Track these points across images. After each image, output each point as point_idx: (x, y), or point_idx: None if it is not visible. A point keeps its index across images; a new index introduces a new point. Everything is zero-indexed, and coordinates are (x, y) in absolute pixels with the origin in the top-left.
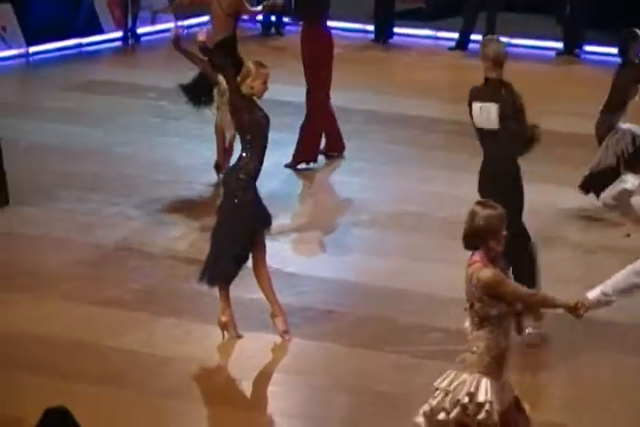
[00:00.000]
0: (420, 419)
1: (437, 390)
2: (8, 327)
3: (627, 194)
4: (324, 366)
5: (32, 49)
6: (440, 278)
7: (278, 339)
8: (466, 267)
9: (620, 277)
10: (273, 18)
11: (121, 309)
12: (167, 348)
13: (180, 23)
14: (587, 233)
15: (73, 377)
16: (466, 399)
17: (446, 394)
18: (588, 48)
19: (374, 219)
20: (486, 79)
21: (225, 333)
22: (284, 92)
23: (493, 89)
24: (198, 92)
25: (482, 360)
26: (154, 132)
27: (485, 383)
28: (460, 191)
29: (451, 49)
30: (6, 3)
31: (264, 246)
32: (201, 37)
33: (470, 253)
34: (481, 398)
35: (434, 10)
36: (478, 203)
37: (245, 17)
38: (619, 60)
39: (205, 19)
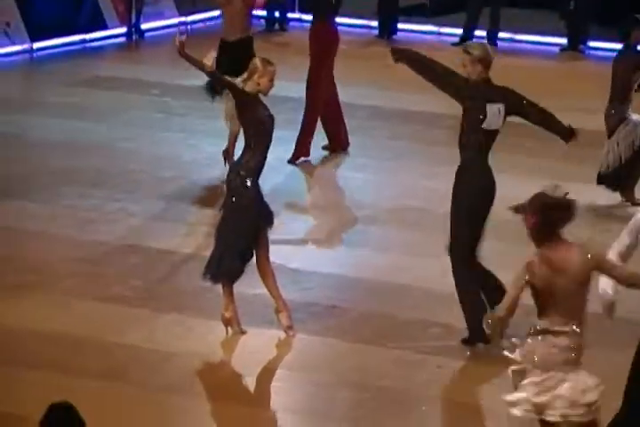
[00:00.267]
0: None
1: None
2: (10, 323)
3: None
4: (327, 361)
5: (36, 45)
6: (442, 274)
7: (282, 334)
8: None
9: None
10: (277, 14)
11: (123, 305)
12: (170, 344)
13: (183, 19)
14: (593, 229)
15: (75, 373)
16: (584, 399)
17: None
18: (592, 44)
19: (377, 214)
20: (486, 80)
21: (228, 328)
22: (288, 89)
23: (497, 89)
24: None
25: (579, 357)
26: (158, 128)
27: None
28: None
29: (454, 45)
30: None
31: (267, 243)
32: (179, 40)
33: None
34: (592, 397)
35: (437, 6)
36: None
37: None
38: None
39: (209, 15)
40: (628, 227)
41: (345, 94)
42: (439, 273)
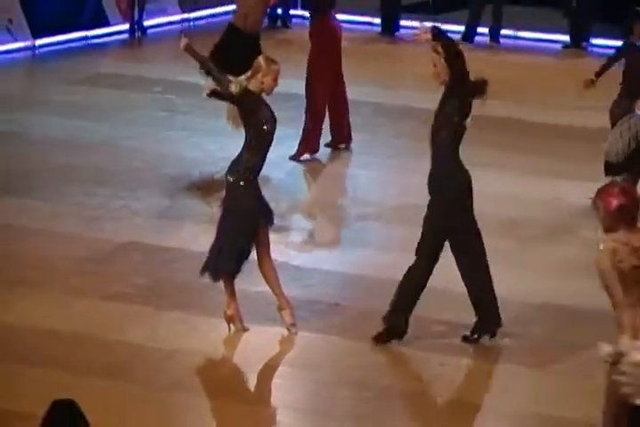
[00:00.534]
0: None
1: None
2: (14, 321)
3: None
4: (329, 359)
5: (38, 42)
6: (444, 272)
7: (284, 332)
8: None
9: None
10: (279, 11)
11: (126, 303)
12: (173, 341)
13: (186, 15)
14: (596, 227)
15: (78, 371)
16: None
17: None
18: (594, 41)
19: (380, 212)
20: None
21: (231, 326)
22: (292, 86)
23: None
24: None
25: None
26: (160, 126)
27: None
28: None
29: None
30: None
31: (268, 241)
32: (183, 42)
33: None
34: None
35: (440, 3)
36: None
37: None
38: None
39: (212, 11)
40: None
41: (348, 91)
42: (442, 271)
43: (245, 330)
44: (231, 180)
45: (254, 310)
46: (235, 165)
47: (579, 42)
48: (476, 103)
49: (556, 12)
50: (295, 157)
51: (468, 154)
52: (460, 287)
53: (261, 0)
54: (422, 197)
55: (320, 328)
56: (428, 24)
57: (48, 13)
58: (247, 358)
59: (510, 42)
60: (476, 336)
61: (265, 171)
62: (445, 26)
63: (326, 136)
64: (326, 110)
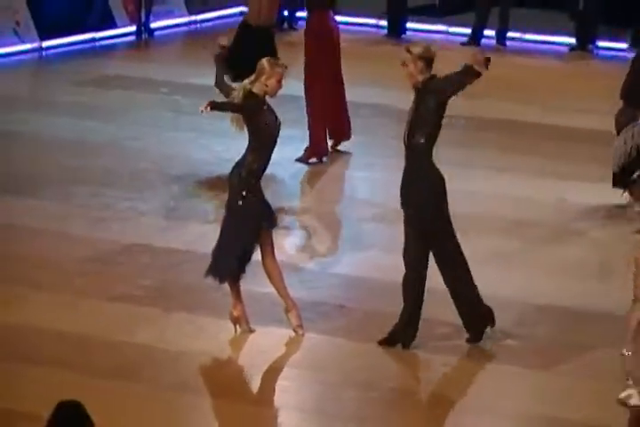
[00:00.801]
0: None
1: None
2: (20, 322)
3: None
4: (335, 360)
5: (45, 43)
6: None
7: (290, 333)
8: None
9: None
10: (286, 12)
11: (133, 304)
12: (180, 342)
13: (193, 18)
14: (603, 229)
15: (86, 372)
16: None
17: None
18: (600, 43)
19: (383, 214)
20: (433, 77)
21: (237, 327)
22: (298, 88)
23: None
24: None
25: None
26: (167, 127)
27: None
28: (469, 187)
29: (463, 44)
30: None
31: (272, 243)
32: (223, 42)
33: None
34: None
35: (447, 5)
36: None
37: None
38: (630, 54)
39: (219, 13)
40: None
41: (352, 93)
42: None
43: (251, 331)
44: (234, 182)
45: (260, 312)
46: (237, 168)
47: (585, 44)
48: (480, 104)
49: (563, 15)
50: (303, 160)
51: (473, 156)
52: None
53: None
54: None
55: (325, 330)
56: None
57: (55, 15)
58: (253, 360)
59: (517, 44)
60: (477, 336)
61: (269, 172)
62: (452, 28)
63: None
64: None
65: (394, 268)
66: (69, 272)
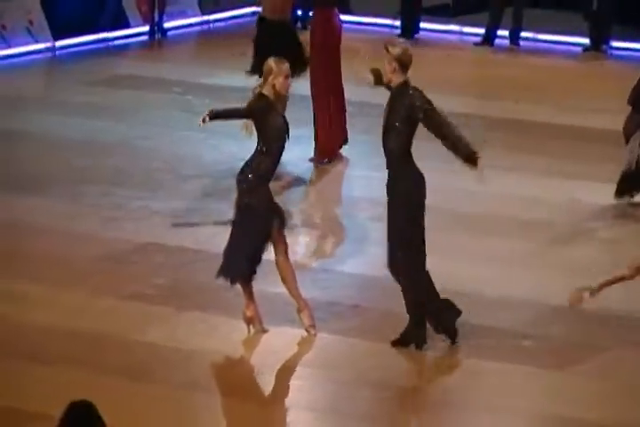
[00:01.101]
0: None
1: None
2: (33, 321)
3: None
4: (349, 360)
5: (58, 43)
6: (462, 274)
7: (303, 333)
8: None
9: None
10: (299, 12)
11: (146, 303)
12: (192, 342)
13: (206, 18)
14: (613, 229)
15: (98, 371)
16: None
17: None
18: (614, 44)
19: None
20: (405, 82)
21: (250, 327)
22: (308, 87)
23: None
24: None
25: None
26: (179, 127)
27: None
28: (483, 187)
29: (477, 44)
30: None
31: (284, 242)
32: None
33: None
34: None
35: (460, 5)
36: None
37: None
38: None
39: (232, 14)
40: None
41: (364, 94)
42: (460, 273)
43: (265, 331)
44: (242, 184)
45: (273, 312)
46: (245, 170)
47: (599, 45)
48: (493, 104)
49: (577, 15)
50: (315, 161)
51: (484, 156)
52: (478, 290)
53: None
54: (439, 198)
55: (339, 330)
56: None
57: (68, 15)
58: (266, 359)
59: (530, 44)
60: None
61: (280, 171)
62: (465, 28)
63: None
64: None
65: None
66: (81, 271)
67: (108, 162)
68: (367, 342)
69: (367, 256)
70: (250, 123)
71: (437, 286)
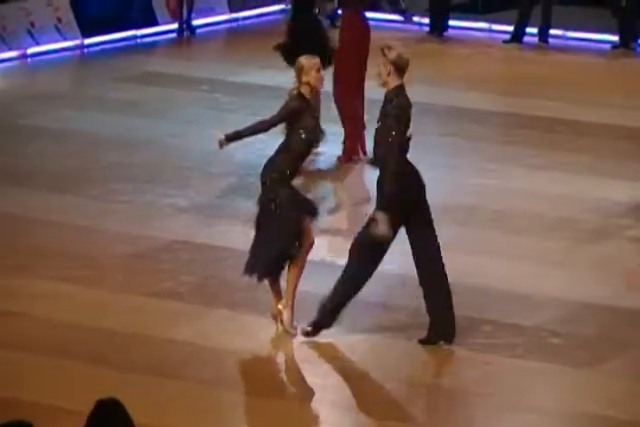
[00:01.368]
0: None
1: None
2: (62, 318)
3: None
4: (377, 358)
5: (87, 41)
6: (492, 271)
7: (332, 331)
8: None
9: None
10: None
11: (175, 300)
12: (221, 340)
13: (234, 15)
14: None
15: (126, 368)
16: None
17: None
18: None
19: None
20: (399, 86)
21: (278, 325)
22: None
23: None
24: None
25: None
26: (208, 124)
27: None
28: (513, 184)
29: (505, 42)
30: None
31: (311, 239)
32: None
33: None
34: None
35: (489, 3)
36: None
37: None
38: None
39: (260, 11)
40: None
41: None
42: (490, 270)
43: (294, 329)
44: (265, 183)
45: (301, 309)
46: (268, 167)
47: (628, 42)
48: (521, 102)
49: (606, 12)
50: (342, 160)
51: (513, 153)
52: (508, 287)
53: None
54: (473, 197)
55: (366, 328)
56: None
57: (97, 12)
58: (293, 357)
59: (559, 42)
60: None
61: (306, 169)
62: (494, 26)
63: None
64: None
65: None
66: (110, 268)
67: (137, 159)
68: (395, 339)
69: (394, 254)
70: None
71: (461, 281)
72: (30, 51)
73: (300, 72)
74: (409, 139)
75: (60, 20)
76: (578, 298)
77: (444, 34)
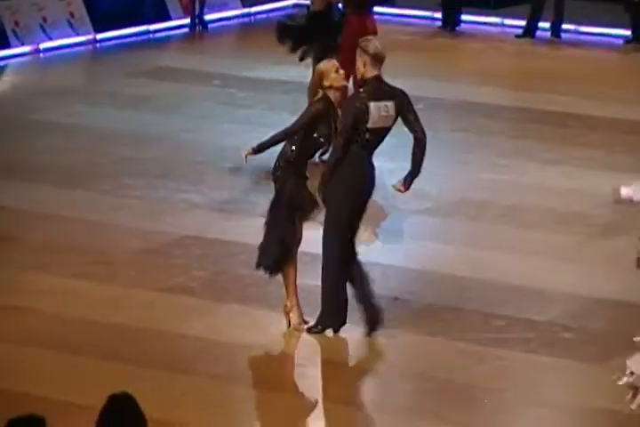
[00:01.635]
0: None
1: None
2: (74, 314)
3: None
4: (389, 353)
5: (99, 35)
6: (504, 266)
7: (344, 326)
8: None
9: None
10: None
11: (187, 296)
12: (232, 334)
13: (247, 10)
14: None
15: (138, 363)
16: None
17: None
18: None
19: (439, 207)
20: (376, 77)
21: (290, 320)
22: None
23: (386, 87)
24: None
25: None
26: (221, 119)
27: None
28: (525, 179)
29: (518, 37)
30: None
31: (299, 235)
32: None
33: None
34: None
35: None
36: None
37: None
38: None
39: (272, 6)
40: None
41: (407, 86)
42: (502, 265)
43: (306, 323)
44: (274, 174)
45: (313, 304)
46: (279, 157)
47: None
48: (534, 97)
49: (618, 7)
50: None
51: (525, 148)
52: (519, 282)
53: None
54: (485, 193)
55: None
56: None
57: (109, 7)
58: (305, 352)
59: (571, 36)
60: (319, 328)
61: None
62: (507, 20)
63: None
64: None
65: (449, 260)
66: (122, 263)
67: (149, 154)
68: (406, 334)
69: (410, 249)
70: None
71: (473, 276)
72: (43, 46)
73: (320, 79)
74: (376, 130)
75: (72, 14)
76: (589, 293)
77: (457, 28)
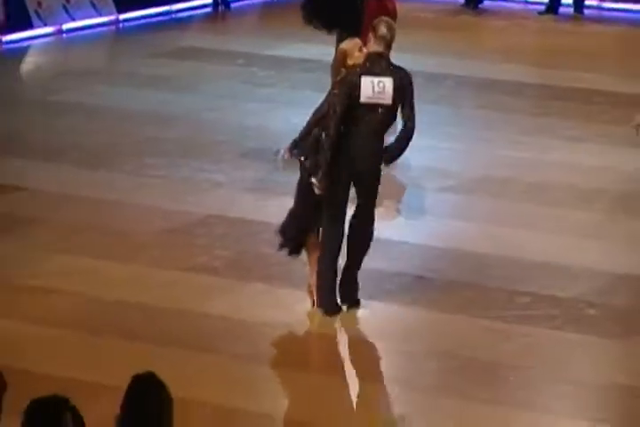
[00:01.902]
0: None
1: None
2: (97, 293)
3: None
4: (415, 331)
5: (122, 16)
6: (527, 243)
7: (368, 304)
8: None
9: None
10: None
11: (209, 275)
12: (256, 313)
13: None
14: None
15: (161, 342)
16: None
17: None
18: None
19: (461, 184)
20: (377, 53)
21: (314, 298)
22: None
23: (387, 64)
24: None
25: None
26: (243, 99)
27: None
28: (548, 156)
29: (540, 13)
30: None
31: None
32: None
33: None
34: None
35: None
36: None
37: None
38: None
39: None
40: None
41: (431, 64)
42: (525, 242)
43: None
44: (295, 153)
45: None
46: (300, 139)
47: None
48: (557, 73)
49: None
50: None
51: (552, 126)
52: (543, 259)
53: None
54: (508, 170)
55: (405, 301)
56: None
57: None
58: (329, 331)
59: (594, 13)
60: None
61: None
62: None
63: None
64: None
65: (473, 238)
66: (145, 243)
67: (171, 134)
68: (433, 312)
69: (434, 227)
70: None
71: (497, 253)
72: (66, 26)
73: (343, 58)
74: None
75: None
76: (613, 269)
77: (479, 6)
